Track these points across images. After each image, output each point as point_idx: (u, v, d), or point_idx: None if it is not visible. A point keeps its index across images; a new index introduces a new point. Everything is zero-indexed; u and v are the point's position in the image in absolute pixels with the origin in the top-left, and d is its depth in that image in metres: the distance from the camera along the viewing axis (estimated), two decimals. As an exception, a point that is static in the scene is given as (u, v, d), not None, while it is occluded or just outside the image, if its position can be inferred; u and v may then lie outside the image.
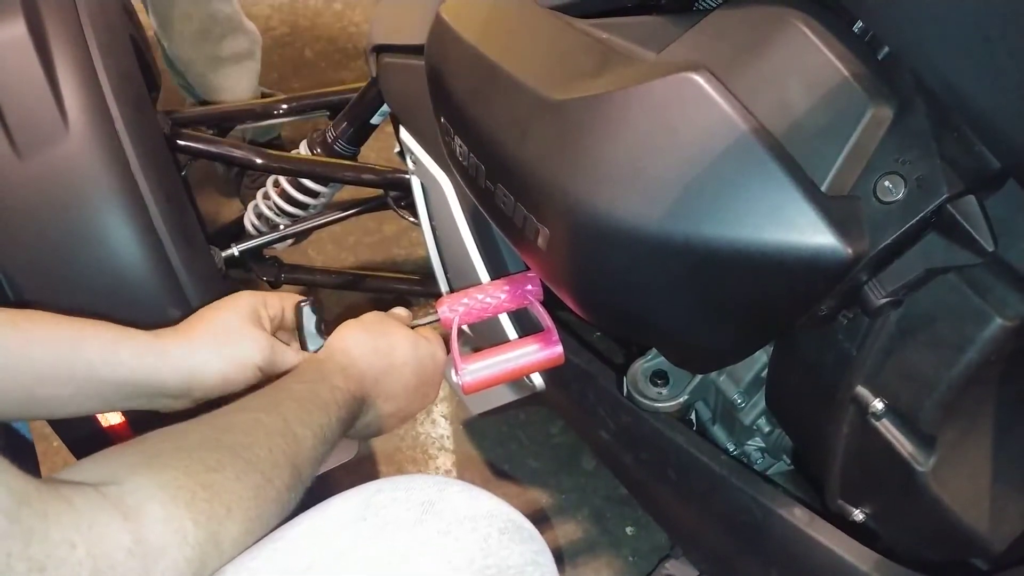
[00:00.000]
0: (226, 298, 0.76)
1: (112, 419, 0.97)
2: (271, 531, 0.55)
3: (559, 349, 0.86)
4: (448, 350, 0.84)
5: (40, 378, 0.65)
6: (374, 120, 1.42)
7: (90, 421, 0.97)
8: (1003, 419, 0.67)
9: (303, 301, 0.81)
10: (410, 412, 0.79)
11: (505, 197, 0.74)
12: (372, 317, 0.79)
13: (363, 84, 1.40)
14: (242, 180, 1.88)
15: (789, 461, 0.92)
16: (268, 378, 0.72)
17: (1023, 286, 0.58)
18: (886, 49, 0.61)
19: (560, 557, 1.29)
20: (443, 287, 1.22)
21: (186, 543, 0.47)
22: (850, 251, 0.56)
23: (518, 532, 0.57)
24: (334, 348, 0.74)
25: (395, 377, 0.75)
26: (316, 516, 0.55)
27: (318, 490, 0.61)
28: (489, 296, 0.90)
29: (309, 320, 0.80)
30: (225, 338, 0.71)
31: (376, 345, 0.75)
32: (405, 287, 1.56)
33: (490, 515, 0.56)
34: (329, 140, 1.45)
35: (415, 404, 0.79)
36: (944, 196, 0.55)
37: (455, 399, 1.52)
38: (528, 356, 0.86)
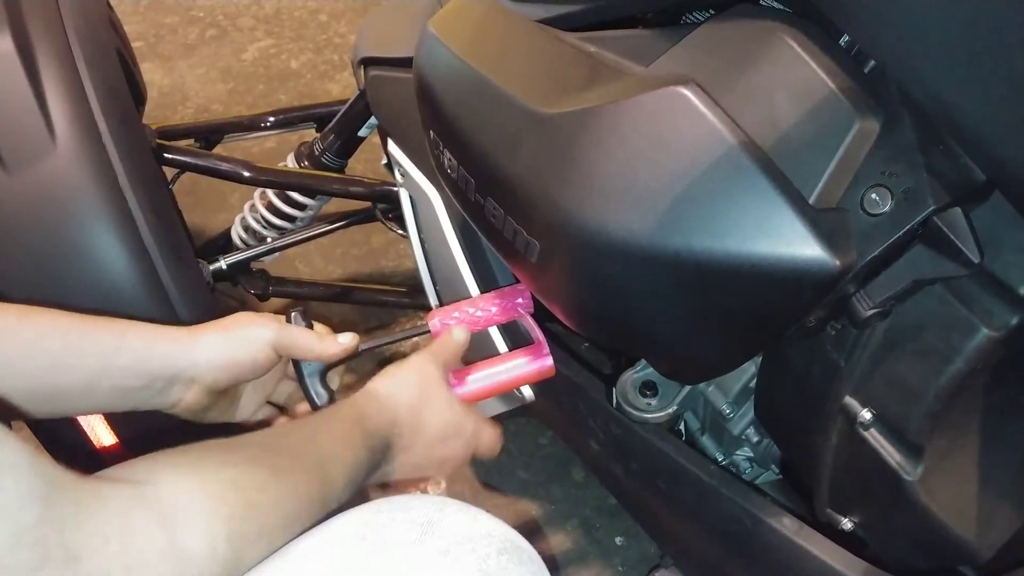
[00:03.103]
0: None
1: (105, 440, 0.96)
2: None
3: (550, 362, 0.86)
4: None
5: (54, 365, 0.65)
6: (362, 132, 1.42)
7: (83, 443, 0.96)
8: (990, 428, 0.68)
9: (295, 310, 0.79)
10: (422, 473, 0.75)
11: (495, 210, 0.74)
12: (424, 379, 0.75)
13: (350, 96, 1.41)
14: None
15: (778, 471, 0.93)
16: (286, 359, 0.76)
17: (1009, 297, 0.58)
18: (872, 63, 0.62)
19: (552, 569, 1.28)
20: (432, 300, 1.22)
21: (215, 560, 0.47)
22: (838, 263, 0.56)
23: (517, 553, 0.56)
24: (384, 405, 0.70)
25: (422, 442, 0.72)
26: (316, 535, 0.55)
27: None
28: (480, 309, 0.90)
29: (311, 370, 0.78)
30: (230, 322, 0.74)
31: (420, 419, 0.72)
32: (393, 299, 1.56)
33: (489, 535, 0.56)
34: (316, 152, 1.45)
35: (430, 469, 0.76)
36: (930, 208, 0.56)
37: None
38: (519, 369, 0.86)
